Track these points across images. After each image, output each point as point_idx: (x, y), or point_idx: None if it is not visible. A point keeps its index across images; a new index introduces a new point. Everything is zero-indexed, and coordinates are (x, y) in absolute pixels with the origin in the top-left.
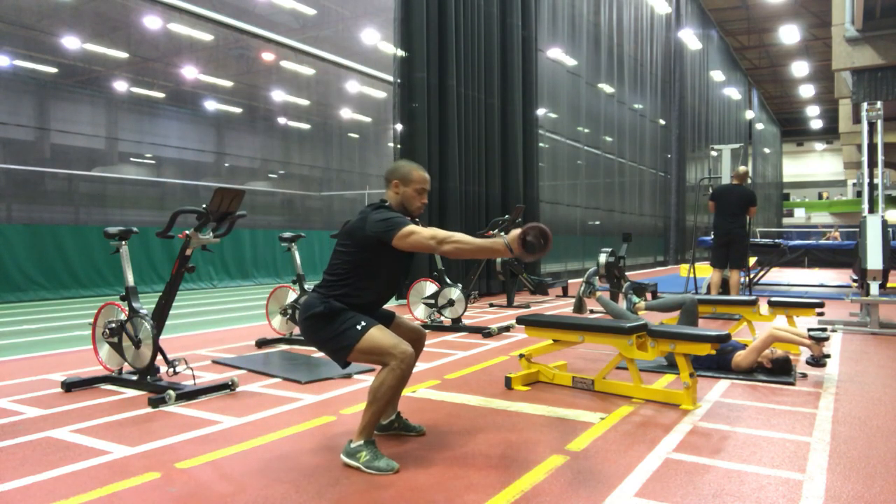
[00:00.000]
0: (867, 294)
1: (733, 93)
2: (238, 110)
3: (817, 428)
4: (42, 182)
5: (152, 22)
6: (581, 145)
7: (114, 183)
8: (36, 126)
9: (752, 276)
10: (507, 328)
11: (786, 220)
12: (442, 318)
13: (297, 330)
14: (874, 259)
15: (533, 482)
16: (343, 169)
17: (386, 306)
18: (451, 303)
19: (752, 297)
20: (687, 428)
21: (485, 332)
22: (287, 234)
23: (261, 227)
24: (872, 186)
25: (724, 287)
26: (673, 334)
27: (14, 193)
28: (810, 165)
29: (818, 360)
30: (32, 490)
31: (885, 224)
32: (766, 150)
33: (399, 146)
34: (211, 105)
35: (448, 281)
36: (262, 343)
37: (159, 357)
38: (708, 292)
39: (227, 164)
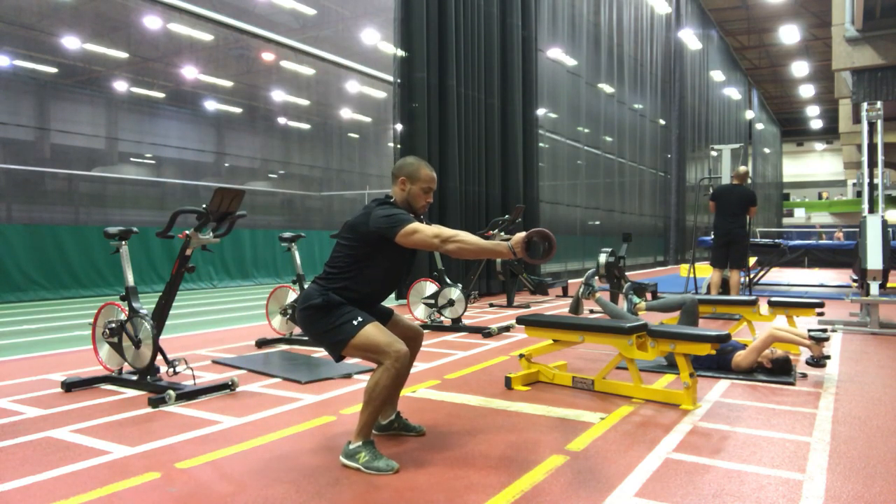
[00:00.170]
0: (867, 294)
1: (733, 93)
2: (238, 110)
3: (817, 428)
4: (42, 182)
5: (152, 22)
6: (581, 145)
7: (114, 183)
8: (36, 126)
9: (752, 276)
10: (507, 328)
11: (786, 220)
12: (442, 318)
13: (297, 330)
14: (874, 259)
15: (533, 482)
16: (343, 169)
17: (386, 306)
18: (451, 303)
19: (753, 298)
20: (687, 428)
21: (485, 332)
22: (287, 235)
23: (261, 227)
24: (872, 186)
25: (724, 287)
26: (673, 334)
27: (14, 193)
28: (810, 165)
29: (818, 361)
30: (32, 490)
31: (885, 224)
32: (766, 150)
33: (399, 146)
34: (211, 105)
35: (448, 281)
36: (262, 343)
37: (159, 357)
38: (708, 292)
39: (227, 164)
